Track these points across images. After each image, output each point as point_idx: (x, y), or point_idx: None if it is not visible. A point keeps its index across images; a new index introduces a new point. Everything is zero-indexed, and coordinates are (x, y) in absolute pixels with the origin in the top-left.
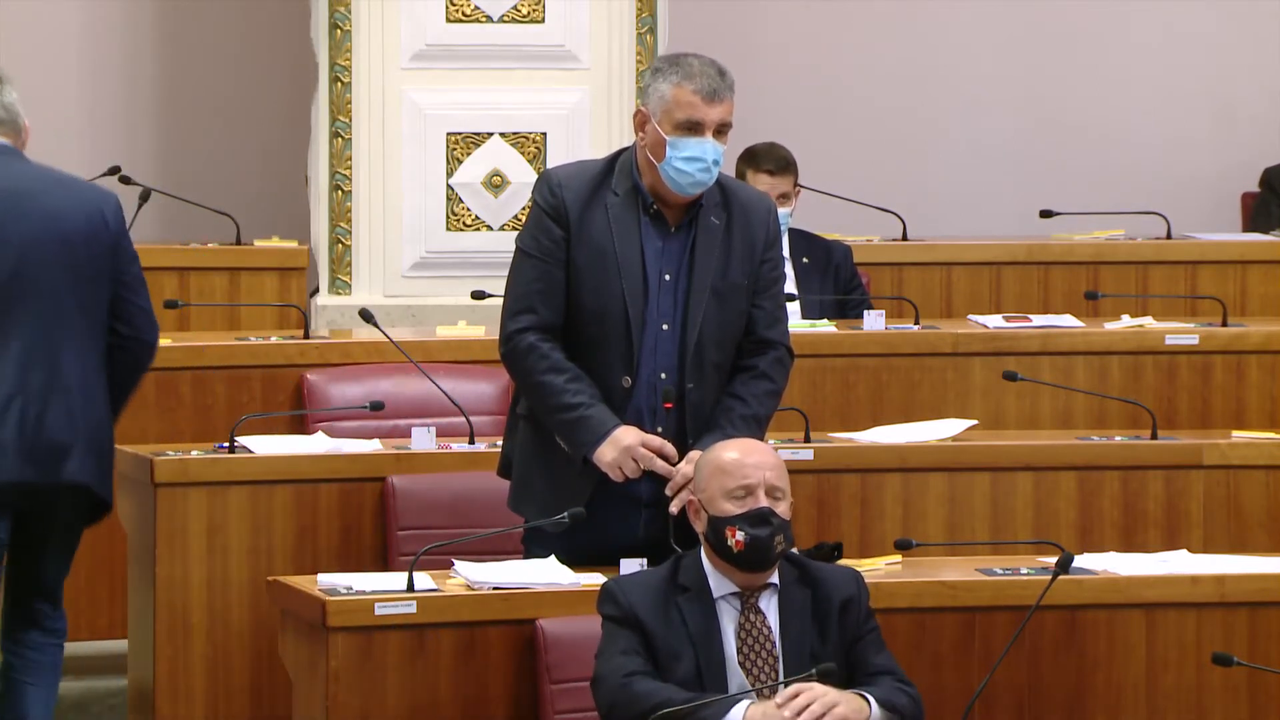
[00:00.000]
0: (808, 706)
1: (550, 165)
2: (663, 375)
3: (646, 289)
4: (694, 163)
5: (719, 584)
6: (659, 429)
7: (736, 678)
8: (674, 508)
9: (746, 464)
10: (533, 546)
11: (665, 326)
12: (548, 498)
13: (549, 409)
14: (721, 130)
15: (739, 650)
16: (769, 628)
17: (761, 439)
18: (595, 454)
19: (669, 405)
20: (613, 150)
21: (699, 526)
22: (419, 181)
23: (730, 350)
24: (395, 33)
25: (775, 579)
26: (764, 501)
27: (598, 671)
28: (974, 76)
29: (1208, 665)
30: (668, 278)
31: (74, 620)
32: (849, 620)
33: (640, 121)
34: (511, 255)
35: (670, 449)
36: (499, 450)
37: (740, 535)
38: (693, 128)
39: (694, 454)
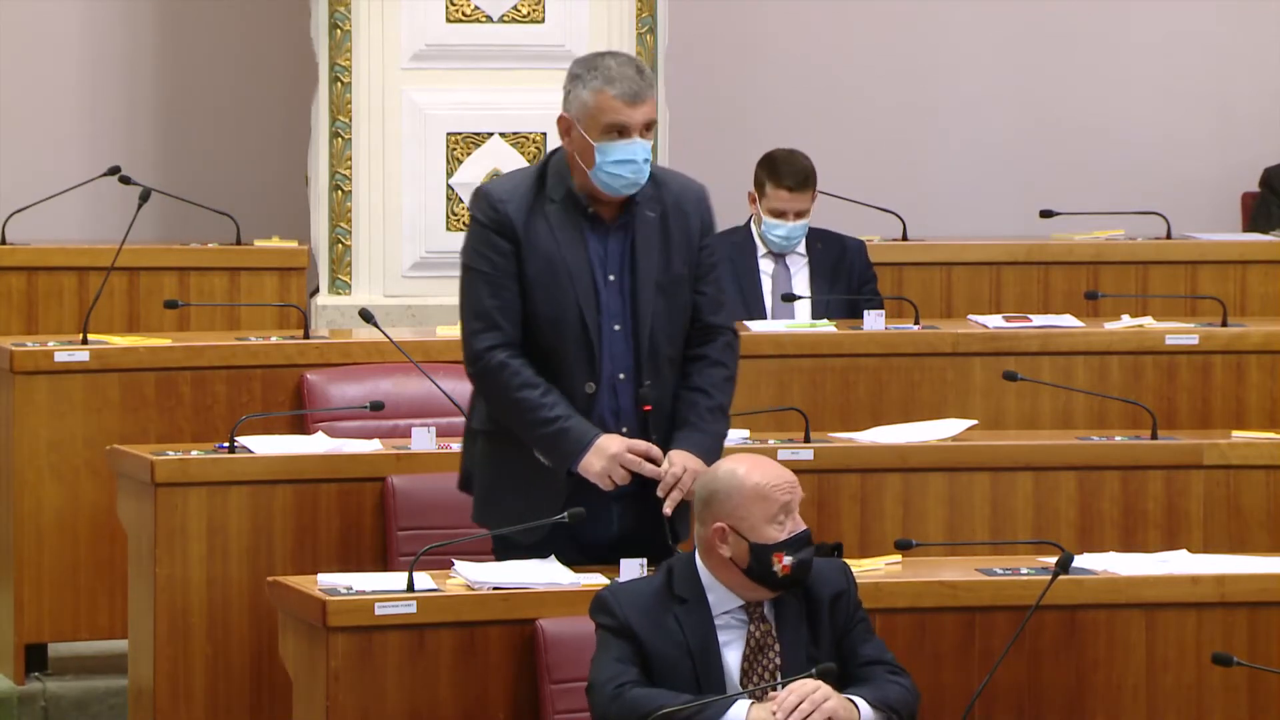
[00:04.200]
0: (798, 705)
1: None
2: (620, 376)
3: (596, 292)
4: (625, 165)
5: (721, 598)
6: (624, 429)
7: (735, 689)
8: (667, 509)
9: (781, 485)
10: (507, 554)
11: (617, 327)
12: (519, 509)
13: (527, 424)
14: (647, 128)
15: (745, 658)
16: (773, 636)
17: (727, 428)
18: (581, 464)
19: (648, 408)
20: None
21: (725, 552)
22: (419, 181)
23: (680, 342)
24: (395, 33)
25: None
26: (801, 524)
27: (591, 679)
28: (974, 76)
29: (1208, 665)
30: (612, 278)
31: (74, 620)
32: (839, 614)
33: (565, 128)
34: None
35: (656, 451)
36: None
37: (788, 560)
38: (619, 131)
39: (674, 454)
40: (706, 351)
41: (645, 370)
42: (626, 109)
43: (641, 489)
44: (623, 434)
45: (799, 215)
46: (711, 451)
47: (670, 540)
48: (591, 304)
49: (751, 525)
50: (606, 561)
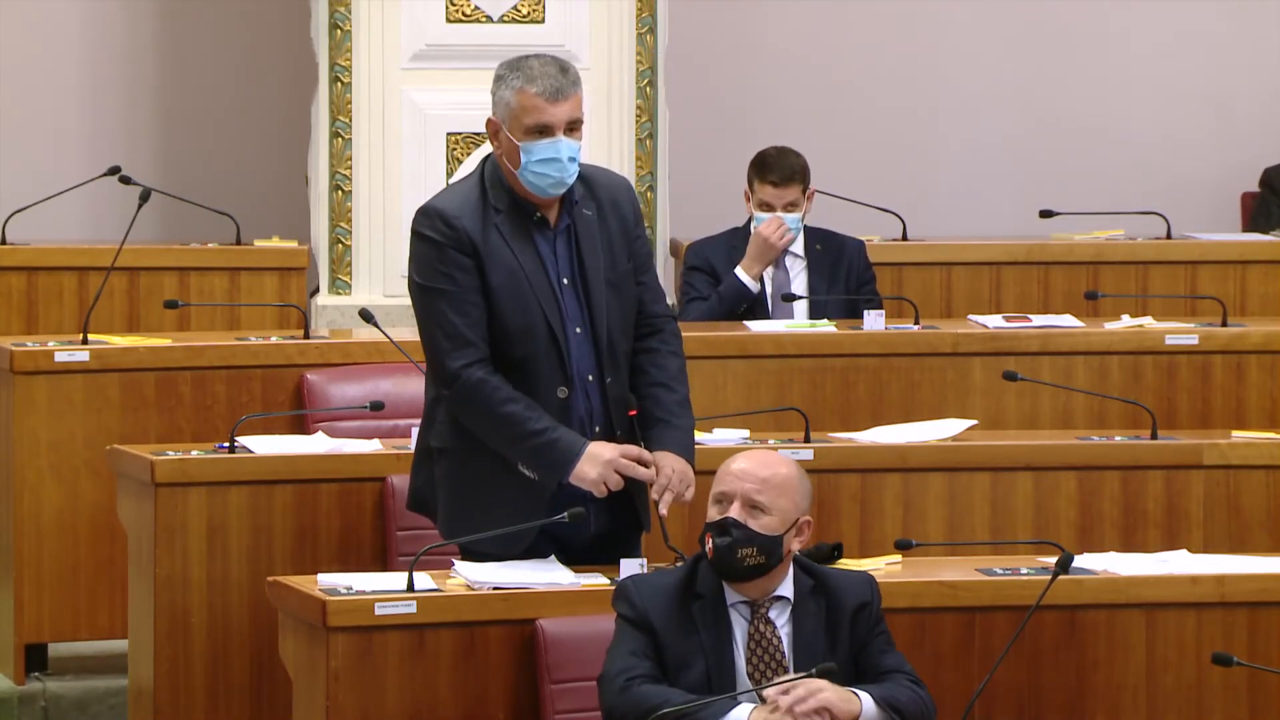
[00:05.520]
0: (792, 693)
1: None
2: (590, 378)
3: (556, 297)
4: (550, 164)
5: (731, 592)
6: (596, 429)
7: (745, 689)
8: (663, 509)
9: (729, 473)
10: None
11: (578, 330)
12: (498, 521)
13: (514, 438)
14: (573, 127)
15: (748, 661)
16: (779, 638)
17: (693, 420)
18: (574, 474)
19: (633, 412)
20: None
21: None
22: (419, 181)
23: (631, 335)
24: (395, 33)
25: (789, 592)
26: (734, 512)
27: (604, 669)
28: (974, 76)
29: (1208, 665)
30: (565, 281)
31: (74, 620)
32: (860, 626)
33: (493, 131)
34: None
35: (646, 454)
36: None
37: (710, 543)
38: (542, 130)
39: (661, 456)
40: (657, 344)
41: (606, 369)
42: (549, 107)
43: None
44: (595, 434)
45: (788, 208)
46: (690, 447)
47: (667, 542)
48: (554, 309)
49: (708, 502)
50: (584, 563)
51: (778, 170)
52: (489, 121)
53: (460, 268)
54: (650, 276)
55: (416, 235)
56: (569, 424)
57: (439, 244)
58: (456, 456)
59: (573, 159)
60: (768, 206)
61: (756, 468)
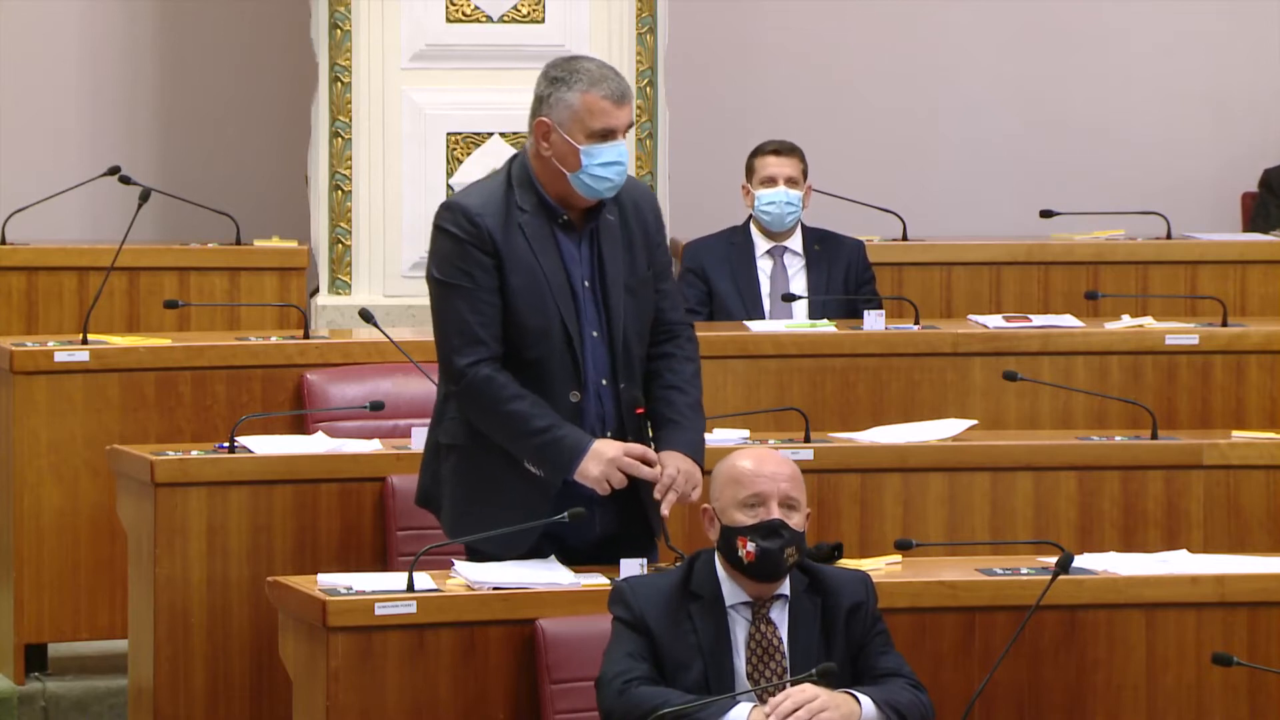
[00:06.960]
0: (794, 712)
1: None
2: (603, 382)
3: (576, 301)
4: (611, 167)
5: (732, 592)
6: (608, 433)
7: (744, 689)
8: (665, 509)
9: (761, 474)
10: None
11: (595, 334)
12: (500, 520)
13: (519, 435)
14: (627, 130)
15: (748, 661)
16: (779, 638)
17: (704, 422)
18: (578, 471)
19: (640, 410)
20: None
21: (712, 535)
22: (419, 181)
23: (647, 340)
24: (395, 33)
25: (786, 590)
26: (776, 513)
27: (602, 672)
28: (974, 76)
29: (1208, 665)
30: (586, 284)
31: (74, 620)
32: (855, 626)
33: (544, 132)
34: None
35: (651, 454)
36: None
37: (751, 546)
38: (607, 134)
39: (666, 455)
40: (673, 349)
41: (621, 373)
42: (616, 110)
43: (618, 489)
44: (607, 437)
45: (790, 183)
46: (698, 448)
47: (667, 541)
48: (572, 313)
49: (723, 507)
50: (589, 564)
51: (776, 143)
52: (540, 122)
53: (480, 266)
54: (669, 284)
55: (439, 230)
56: (581, 427)
57: (461, 241)
58: (465, 453)
59: (626, 161)
60: (771, 181)
61: (781, 466)
